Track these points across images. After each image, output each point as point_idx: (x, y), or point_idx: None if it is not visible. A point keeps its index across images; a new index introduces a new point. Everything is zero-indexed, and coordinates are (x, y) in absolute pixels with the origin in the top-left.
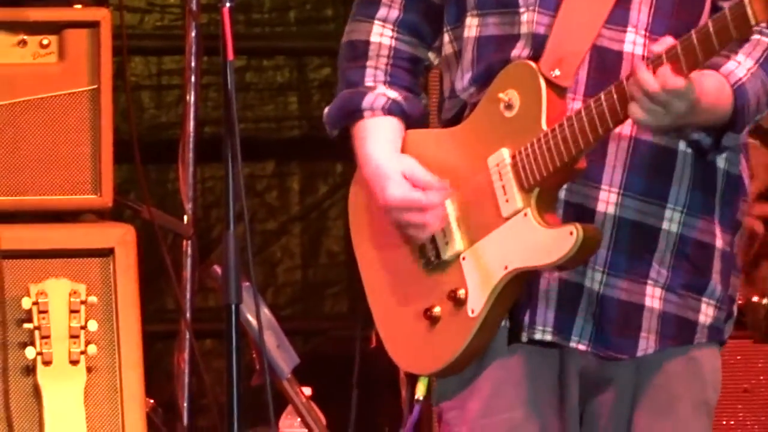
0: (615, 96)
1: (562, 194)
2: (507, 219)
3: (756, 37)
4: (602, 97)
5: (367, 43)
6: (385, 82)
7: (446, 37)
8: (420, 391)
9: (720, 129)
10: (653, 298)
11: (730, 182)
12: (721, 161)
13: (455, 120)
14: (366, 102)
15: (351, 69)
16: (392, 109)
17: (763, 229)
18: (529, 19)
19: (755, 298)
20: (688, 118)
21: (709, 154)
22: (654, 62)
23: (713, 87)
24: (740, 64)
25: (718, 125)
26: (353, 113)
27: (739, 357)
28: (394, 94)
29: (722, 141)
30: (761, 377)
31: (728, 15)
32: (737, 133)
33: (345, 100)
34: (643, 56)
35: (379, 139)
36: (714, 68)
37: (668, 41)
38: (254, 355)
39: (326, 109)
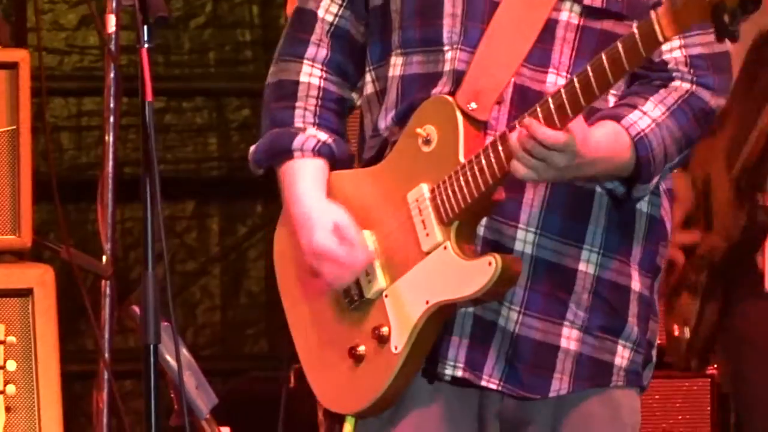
0: (499, 144)
1: (480, 231)
2: (427, 253)
3: (676, 83)
4: (517, 126)
5: (297, 83)
6: (314, 124)
7: (368, 77)
8: None
9: (629, 179)
10: (569, 339)
11: (652, 226)
12: (643, 204)
13: (376, 159)
14: (297, 142)
15: (279, 109)
16: (322, 151)
17: (683, 259)
18: (452, 57)
19: (676, 328)
20: (575, 171)
21: (624, 203)
22: (540, 106)
23: (605, 138)
24: (645, 115)
25: (624, 176)
26: (282, 153)
27: (657, 396)
28: (324, 136)
29: (632, 192)
30: (679, 416)
31: (636, 33)
32: (644, 183)
33: (274, 139)
34: None
35: (310, 181)
36: (615, 118)
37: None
38: (173, 396)
39: (253, 147)
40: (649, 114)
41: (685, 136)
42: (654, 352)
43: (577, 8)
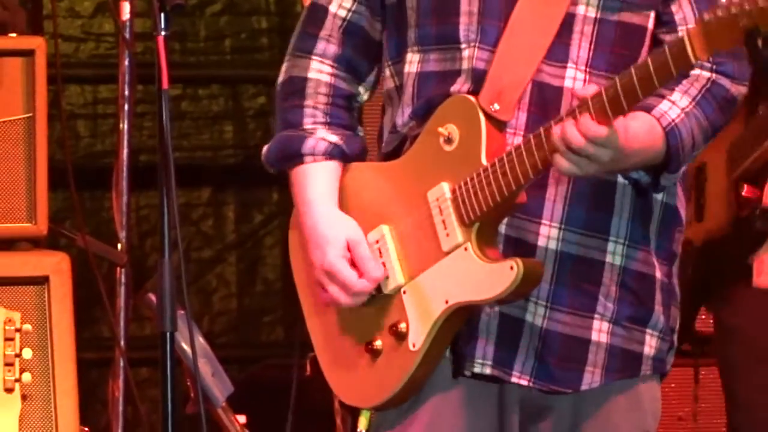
0: (543, 137)
1: (502, 229)
2: (447, 253)
3: (696, 72)
4: (542, 131)
5: (306, 79)
6: (324, 123)
7: (387, 72)
8: (362, 425)
9: (657, 168)
10: (600, 332)
11: (667, 213)
12: (659, 193)
13: (395, 153)
14: (307, 147)
15: (290, 108)
16: (333, 153)
17: None
18: (469, 55)
19: None
20: (614, 165)
21: (648, 192)
22: (580, 108)
23: (642, 130)
24: (674, 104)
25: (653, 165)
26: (293, 157)
27: (673, 385)
28: (334, 137)
29: (660, 181)
30: (695, 405)
31: (668, 52)
32: (672, 173)
33: (284, 143)
34: None
35: (321, 188)
36: (646, 110)
37: (591, 89)
38: (189, 384)
39: (264, 149)
40: (677, 104)
41: (711, 125)
42: (675, 338)
43: (594, 1)
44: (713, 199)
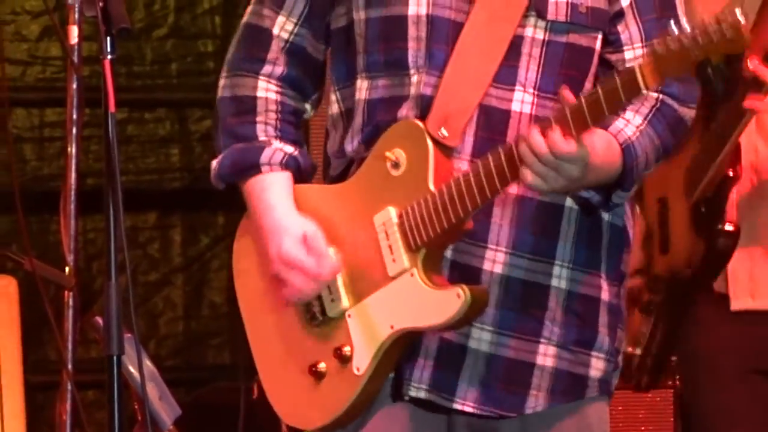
0: (503, 158)
1: (448, 254)
2: (393, 278)
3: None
4: (490, 158)
5: (255, 98)
6: (276, 137)
7: (333, 97)
8: None
9: (609, 187)
10: (546, 356)
11: (614, 234)
12: (605, 214)
13: (342, 177)
14: (264, 157)
15: (240, 124)
16: (289, 164)
17: (637, 281)
18: (417, 81)
19: (629, 349)
20: (581, 180)
21: (597, 212)
22: (542, 125)
23: (603, 147)
24: (629, 122)
25: (605, 183)
26: (249, 168)
27: (620, 407)
28: (290, 148)
29: (612, 199)
30: (643, 427)
31: (618, 81)
32: (626, 191)
33: (239, 155)
34: (531, 114)
35: (280, 193)
36: (602, 127)
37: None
38: (136, 407)
39: (215, 163)
40: (632, 122)
41: (663, 145)
42: (620, 359)
43: (541, 23)
44: (677, 228)
